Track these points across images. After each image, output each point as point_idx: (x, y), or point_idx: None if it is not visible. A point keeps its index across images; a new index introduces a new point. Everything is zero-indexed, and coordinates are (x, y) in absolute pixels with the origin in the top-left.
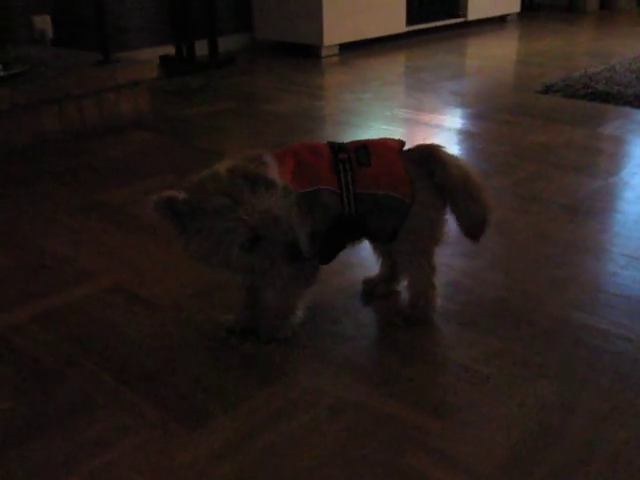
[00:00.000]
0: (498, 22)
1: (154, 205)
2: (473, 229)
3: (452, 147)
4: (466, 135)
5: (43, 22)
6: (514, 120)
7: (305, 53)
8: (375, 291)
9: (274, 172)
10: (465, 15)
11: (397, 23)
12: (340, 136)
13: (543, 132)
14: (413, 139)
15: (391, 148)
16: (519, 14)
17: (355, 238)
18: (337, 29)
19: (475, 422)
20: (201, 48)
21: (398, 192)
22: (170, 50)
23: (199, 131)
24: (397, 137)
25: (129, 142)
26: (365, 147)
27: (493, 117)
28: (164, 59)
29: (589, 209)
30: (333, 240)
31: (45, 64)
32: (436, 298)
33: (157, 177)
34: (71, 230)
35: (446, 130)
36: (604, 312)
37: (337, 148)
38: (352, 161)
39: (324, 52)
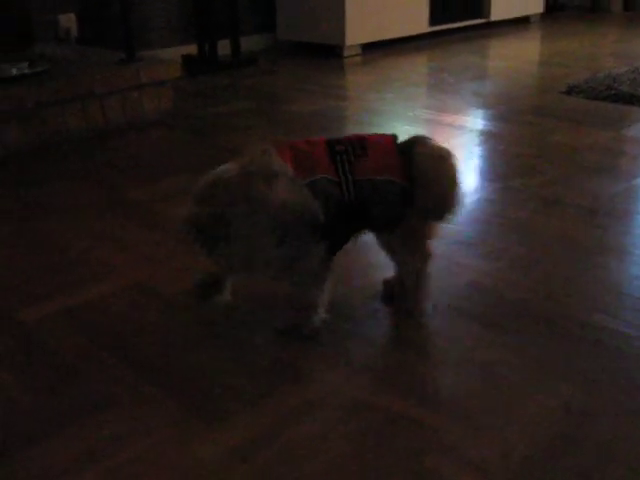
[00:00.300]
0: (521, 23)
1: (180, 227)
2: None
3: (474, 148)
4: (488, 136)
5: (68, 21)
6: (537, 121)
7: (327, 53)
8: (393, 292)
9: (279, 162)
10: (488, 16)
11: (420, 23)
12: None
13: (566, 134)
14: (435, 139)
15: (386, 140)
16: (542, 15)
17: (359, 227)
18: (359, 29)
19: (495, 424)
20: (223, 48)
21: (396, 177)
22: (192, 50)
23: (221, 130)
24: None
25: (151, 140)
26: (361, 140)
27: (516, 118)
28: (186, 58)
29: (612, 211)
30: (336, 229)
31: (69, 62)
32: (430, 290)
33: (179, 175)
34: (93, 227)
35: (468, 131)
36: (626, 315)
37: (334, 141)
38: (349, 152)
39: (346, 52)
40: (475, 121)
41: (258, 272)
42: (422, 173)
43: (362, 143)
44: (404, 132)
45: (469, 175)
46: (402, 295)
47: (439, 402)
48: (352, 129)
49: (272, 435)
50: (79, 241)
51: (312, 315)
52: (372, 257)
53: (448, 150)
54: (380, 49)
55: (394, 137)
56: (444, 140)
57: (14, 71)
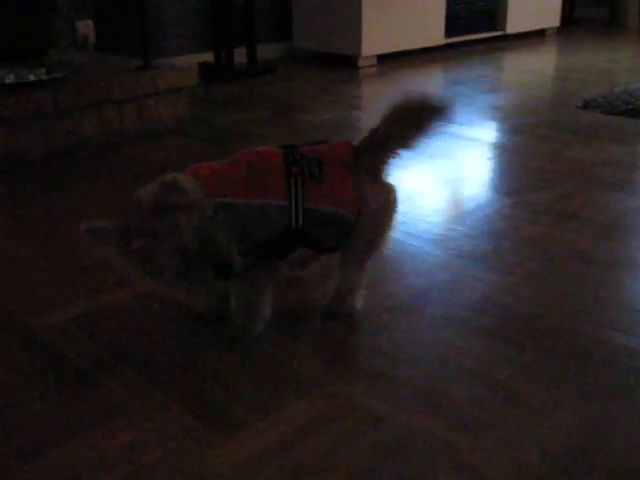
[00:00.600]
0: (537, 36)
1: (84, 233)
2: None
3: (488, 161)
4: (503, 149)
5: (86, 27)
6: (552, 135)
7: (343, 63)
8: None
9: (188, 196)
10: (504, 28)
11: (435, 35)
12: None
13: (582, 148)
14: (449, 152)
15: (342, 160)
16: (558, 28)
17: (299, 247)
18: (375, 40)
19: (509, 440)
20: (239, 56)
21: (345, 210)
22: (208, 57)
23: (236, 139)
24: (433, 150)
25: (167, 148)
26: (317, 159)
27: (531, 132)
28: (203, 66)
29: (627, 227)
30: (278, 248)
31: (87, 69)
32: (359, 297)
33: None
34: None
35: (483, 144)
36: None
37: (290, 160)
38: (304, 175)
39: (362, 63)
40: (490, 134)
41: (189, 283)
42: (371, 211)
43: (318, 163)
44: (418, 144)
45: (483, 189)
46: (334, 300)
47: (453, 416)
48: None
49: (286, 448)
50: (96, 247)
51: (255, 314)
52: (389, 269)
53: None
54: (395, 60)
55: (351, 150)
56: (458, 152)
57: (32, 77)
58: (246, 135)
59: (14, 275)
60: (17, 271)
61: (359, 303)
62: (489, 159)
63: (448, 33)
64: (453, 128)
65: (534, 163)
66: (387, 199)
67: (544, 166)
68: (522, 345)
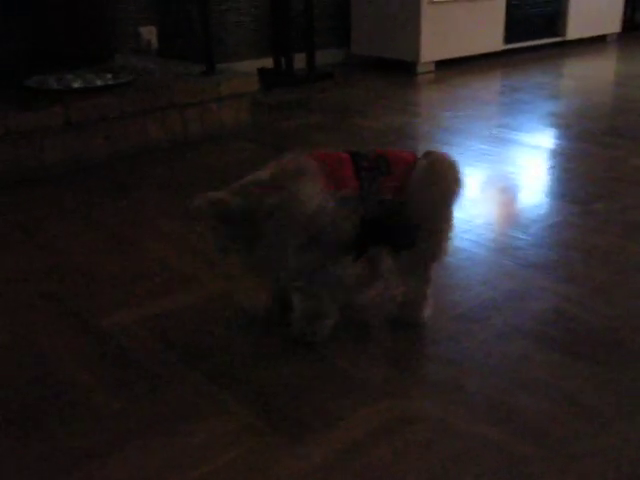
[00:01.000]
0: (598, 42)
1: (202, 209)
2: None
3: (551, 169)
4: (566, 157)
5: (149, 33)
6: (615, 143)
7: (401, 69)
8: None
9: (315, 174)
10: (564, 34)
11: (495, 41)
12: None
13: None
14: (511, 159)
15: (407, 158)
16: (619, 34)
17: (376, 243)
18: (434, 46)
19: (581, 454)
20: (298, 62)
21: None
22: (266, 62)
23: (295, 144)
24: (495, 158)
25: (229, 152)
26: (384, 157)
27: (593, 139)
28: (261, 71)
29: None
30: (356, 244)
31: (151, 74)
32: (427, 307)
33: None
34: (174, 237)
35: (545, 151)
36: None
37: (359, 157)
38: (373, 169)
39: (420, 69)
40: (551, 141)
41: (277, 274)
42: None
43: (386, 160)
44: (479, 151)
45: (548, 197)
46: (403, 310)
47: (524, 429)
48: (425, 146)
49: (353, 456)
50: (161, 250)
51: (318, 322)
52: (457, 278)
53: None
54: (454, 66)
55: (414, 157)
56: (520, 159)
57: (99, 82)
58: (306, 140)
59: (81, 277)
60: (84, 273)
61: (426, 313)
62: (552, 167)
63: (507, 39)
64: (514, 135)
65: (598, 171)
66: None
67: (609, 174)
68: (592, 358)
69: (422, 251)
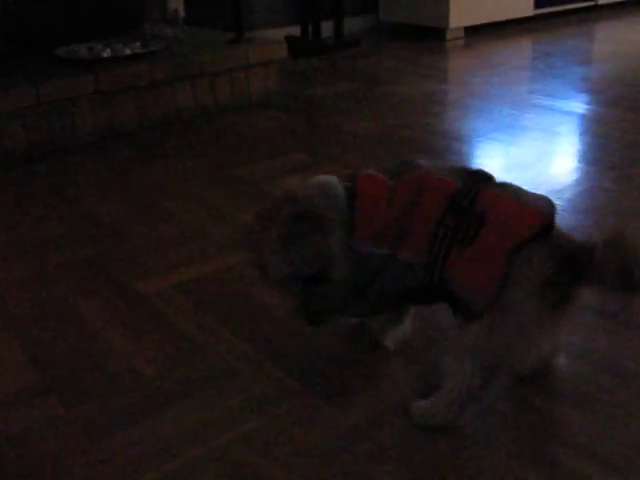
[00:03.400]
0: (631, 6)
1: (290, 215)
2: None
3: (585, 134)
4: (600, 122)
5: (176, 1)
6: None
7: (430, 36)
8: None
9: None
10: None
11: (525, 6)
12: (468, 120)
13: None
14: (544, 125)
15: (509, 236)
16: None
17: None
18: (463, 11)
19: (621, 418)
20: (325, 29)
21: (479, 289)
22: (293, 31)
23: (324, 111)
24: (527, 123)
25: (258, 120)
26: (481, 217)
27: (628, 105)
28: (289, 39)
29: None
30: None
31: (179, 42)
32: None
33: (285, 155)
34: (207, 204)
35: (578, 117)
36: None
37: (456, 207)
38: (459, 230)
39: (449, 35)
40: (585, 107)
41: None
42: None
43: (480, 222)
44: (511, 117)
45: (582, 162)
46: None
47: (564, 393)
48: (456, 113)
49: (387, 418)
50: (195, 217)
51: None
52: None
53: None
54: (483, 32)
55: (533, 227)
56: (553, 125)
57: (128, 51)
58: (335, 108)
59: (116, 242)
60: (119, 239)
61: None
62: (585, 132)
63: (538, 3)
64: (547, 101)
65: (632, 136)
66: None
67: None
68: (630, 322)
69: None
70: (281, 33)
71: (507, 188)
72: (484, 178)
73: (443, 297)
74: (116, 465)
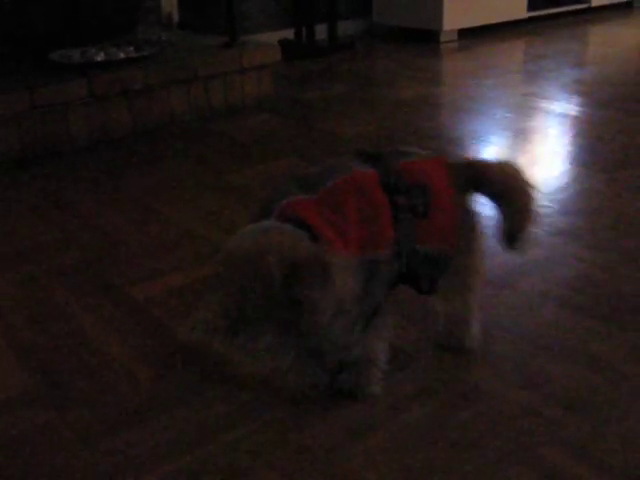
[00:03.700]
0: (624, 8)
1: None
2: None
3: (577, 137)
4: (592, 125)
5: (170, 6)
6: None
7: (423, 38)
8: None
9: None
10: (589, 1)
11: (518, 9)
12: (462, 123)
13: None
14: (537, 127)
15: (446, 190)
16: None
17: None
18: (457, 14)
19: (614, 419)
20: (319, 32)
21: (448, 245)
22: (287, 34)
23: (319, 114)
24: (520, 125)
25: (252, 124)
26: (422, 189)
27: (620, 107)
28: (283, 43)
29: None
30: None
31: (173, 46)
32: (473, 332)
33: (280, 160)
34: (202, 208)
35: (570, 119)
36: None
37: (392, 187)
38: (412, 209)
39: (443, 37)
40: (577, 109)
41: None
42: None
43: (424, 194)
44: (505, 119)
45: (574, 164)
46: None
47: (556, 394)
48: (451, 116)
49: (385, 419)
50: (188, 221)
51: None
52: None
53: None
54: (477, 35)
55: (448, 169)
56: (546, 128)
57: (121, 55)
58: (329, 111)
59: (110, 247)
60: (112, 243)
61: (473, 340)
62: (578, 134)
63: (531, 6)
64: (540, 103)
65: (625, 139)
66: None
67: (634, 141)
68: (621, 323)
69: (464, 273)
70: (275, 37)
71: (409, 153)
72: (380, 156)
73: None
74: (111, 469)
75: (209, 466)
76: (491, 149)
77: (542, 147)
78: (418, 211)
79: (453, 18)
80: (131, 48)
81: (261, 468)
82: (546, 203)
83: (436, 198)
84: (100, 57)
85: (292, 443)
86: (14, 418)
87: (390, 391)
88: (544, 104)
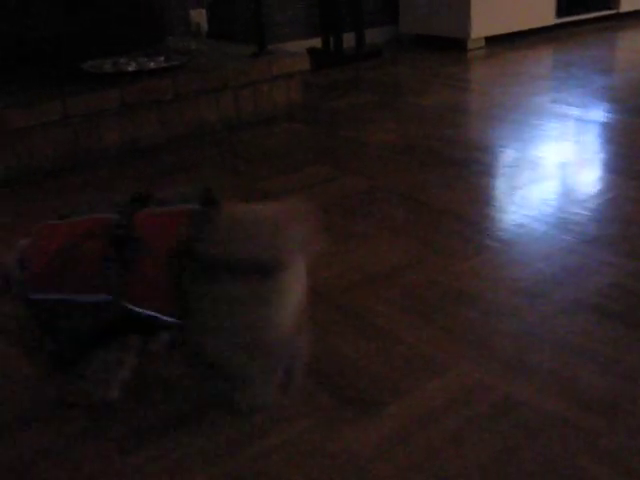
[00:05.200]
0: None
1: None
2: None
3: (608, 143)
4: (623, 132)
5: (199, 16)
6: None
7: (450, 46)
8: None
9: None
10: (618, 7)
11: (546, 15)
12: (490, 130)
13: None
14: (567, 134)
15: (163, 246)
16: None
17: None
18: (484, 22)
19: None
20: (346, 41)
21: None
22: (315, 42)
23: (348, 123)
24: (550, 133)
25: (281, 132)
26: (136, 242)
27: None
28: (311, 51)
29: None
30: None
31: (203, 56)
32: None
33: (310, 167)
34: None
35: (600, 125)
36: None
37: (115, 236)
38: (123, 261)
39: (470, 45)
40: (608, 115)
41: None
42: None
43: (136, 239)
44: (535, 127)
45: (605, 171)
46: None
47: (590, 402)
48: (478, 123)
49: (420, 427)
50: None
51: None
52: (515, 253)
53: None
54: (504, 42)
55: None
56: (575, 135)
57: (152, 65)
58: (357, 119)
59: None
60: None
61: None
62: (609, 141)
63: (559, 13)
64: (569, 110)
65: None
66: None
67: None
68: None
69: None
70: (303, 45)
71: (163, 204)
72: (143, 199)
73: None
74: (148, 478)
75: (244, 473)
76: (520, 156)
77: (573, 154)
78: (127, 264)
79: (480, 25)
80: (161, 58)
81: (298, 476)
82: (578, 210)
83: (147, 253)
84: (131, 67)
85: (326, 452)
86: (48, 427)
87: (422, 401)
88: (574, 111)
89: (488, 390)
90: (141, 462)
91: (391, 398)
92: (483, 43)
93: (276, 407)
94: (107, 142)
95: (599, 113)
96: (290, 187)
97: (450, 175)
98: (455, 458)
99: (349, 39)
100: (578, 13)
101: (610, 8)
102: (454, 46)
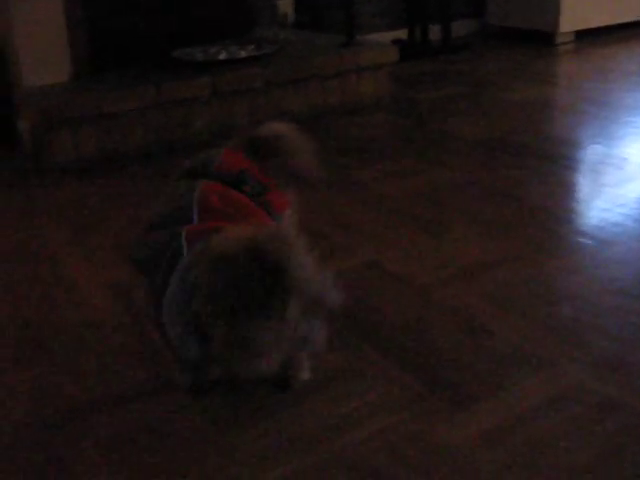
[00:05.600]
0: None
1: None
2: None
3: None
4: None
5: (286, 6)
6: None
7: (538, 40)
8: None
9: None
10: None
11: (637, 10)
12: (579, 125)
13: None
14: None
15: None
16: None
17: None
18: (574, 15)
19: None
20: (432, 33)
21: None
22: (401, 34)
23: (435, 115)
24: None
25: (369, 123)
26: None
27: None
28: (396, 43)
29: None
30: None
31: (292, 45)
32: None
33: (398, 159)
34: (323, 206)
35: None
36: None
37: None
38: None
39: (559, 39)
40: None
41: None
42: None
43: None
44: (627, 124)
45: None
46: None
47: None
48: (567, 118)
49: (516, 425)
50: (309, 219)
51: None
52: (612, 252)
53: None
54: (594, 37)
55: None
56: None
57: (243, 53)
58: (446, 112)
59: None
60: None
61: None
62: None
63: None
64: None
65: None
66: None
67: None
68: None
69: None
70: (388, 37)
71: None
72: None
73: None
74: (245, 458)
75: (341, 460)
76: (612, 154)
77: None
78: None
79: (570, 19)
80: (252, 47)
81: (393, 464)
82: None
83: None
84: (222, 55)
85: (425, 441)
86: (150, 404)
87: (520, 398)
88: None
89: (588, 390)
90: (238, 442)
91: (487, 393)
92: (573, 37)
93: (374, 396)
94: (198, 128)
95: None
96: (380, 177)
97: (540, 171)
98: (555, 458)
99: (435, 31)
100: None
101: None
102: (542, 40)
